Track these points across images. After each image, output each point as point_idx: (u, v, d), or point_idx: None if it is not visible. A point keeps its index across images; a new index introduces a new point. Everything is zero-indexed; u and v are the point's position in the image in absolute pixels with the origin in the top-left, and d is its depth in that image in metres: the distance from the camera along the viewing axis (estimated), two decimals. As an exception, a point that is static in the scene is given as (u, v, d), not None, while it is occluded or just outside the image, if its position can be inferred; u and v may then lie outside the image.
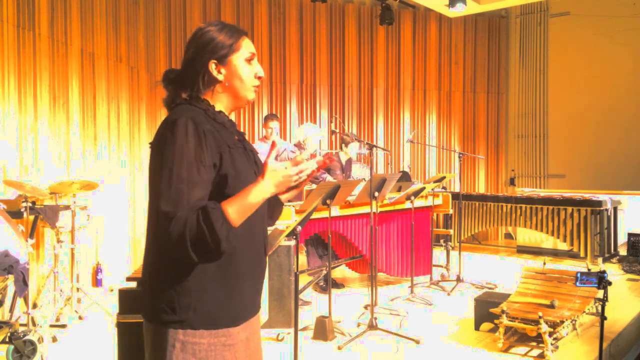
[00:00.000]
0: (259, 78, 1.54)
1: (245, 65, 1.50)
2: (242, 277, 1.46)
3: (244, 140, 1.58)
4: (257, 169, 1.53)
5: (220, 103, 1.52)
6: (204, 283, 1.38)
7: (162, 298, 1.39)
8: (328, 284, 4.00)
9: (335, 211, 4.58)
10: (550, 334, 3.38)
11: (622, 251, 6.47)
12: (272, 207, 1.66)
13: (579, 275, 2.87)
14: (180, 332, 1.37)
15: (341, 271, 5.95)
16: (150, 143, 1.43)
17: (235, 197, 1.36)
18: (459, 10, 6.91)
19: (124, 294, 2.45)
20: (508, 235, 8.34)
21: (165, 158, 1.34)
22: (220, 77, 1.49)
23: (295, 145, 5.18)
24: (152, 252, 1.44)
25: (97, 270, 5.17)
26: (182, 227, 1.29)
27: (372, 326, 3.83)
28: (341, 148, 5.36)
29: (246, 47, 1.51)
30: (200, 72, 1.47)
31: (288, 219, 3.87)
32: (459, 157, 5.45)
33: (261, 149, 4.99)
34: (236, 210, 1.34)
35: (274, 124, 5.19)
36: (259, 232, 1.52)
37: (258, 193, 1.36)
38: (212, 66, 1.47)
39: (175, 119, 1.37)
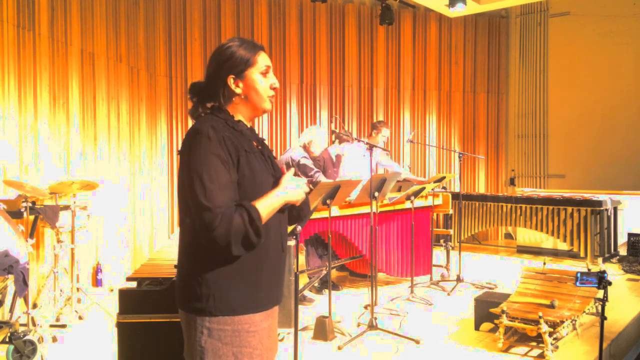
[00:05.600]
0: (274, 89, 1.68)
1: (260, 78, 1.65)
2: (259, 270, 1.58)
3: (264, 146, 1.73)
4: (275, 173, 1.69)
5: (240, 113, 1.67)
6: (221, 275, 1.52)
7: (188, 288, 1.54)
8: (328, 284, 4.00)
9: (335, 211, 4.58)
10: (550, 334, 3.38)
11: (622, 251, 6.47)
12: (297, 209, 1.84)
13: (579, 275, 2.87)
14: (205, 319, 1.52)
15: (339, 271, 5.95)
16: (178, 152, 1.58)
17: (262, 199, 1.54)
18: (459, 10, 6.91)
19: (124, 294, 2.45)
20: (508, 235, 8.34)
21: (194, 164, 1.49)
22: (238, 91, 1.64)
23: (302, 146, 5.15)
24: (183, 248, 1.60)
25: (97, 270, 5.17)
26: (228, 225, 1.45)
27: (372, 326, 3.83)
28: (332, 142, 5.48)
29: (262, 61, 1.66)
30: (221, 86, 1.63)
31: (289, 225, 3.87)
32: (459, 157, 5.46)
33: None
34: (264, 210, 1.52)
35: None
36: (275, 229, 1.64)
37: (278, 198, 1.57)
38: (231, 81, 1.62)
39: (198, 128, 1.53)
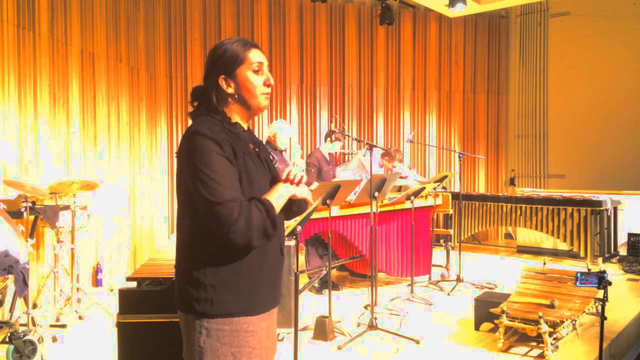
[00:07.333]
0: (269, 85, 1.65)
1: (252, 76, 1.62)
2: (258, 273, 1.58)
3: (261, 148, 1.72)
4: (272, 174, 1.69)
5: (236, 114, 1.65)
6: (219, 277, 1.52)
7: (187, 290, 1.55)
8: (328, 284, 4.00)
9: (335, 211, 4.58)
10: (550, 334, 3.38)
11: (622, 251, 6.47)
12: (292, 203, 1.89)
13: (579, 275, 2.87)
14: (204, 320, 1.52)
15: (339, 271, 5.95)
16: (176, 153, 1.58)
17: (271, 192, 1.57)
18: (459, 10, 6.91)
19: (124, 294, 2.45)
20: (508, 235, 8.34)
21: (199, 163, 1.48)
22: (230, 91, 1.62)
23: (267, 142, 5.09)
24: (181, 249, 1.60)
25: (97, 270, 5.17)
26: (247, 217, 1.46)
27: (372, 326, 3.83)
28: (325, 140, 5.51)
29: (253, 58, 1.63)
30: (214, 88, 1.62)
31: (288, 219, 3.86)
32: (459, 157, 5.45)
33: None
34: (275, 202, 1.55)
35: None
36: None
37: (287, 190, 1.60)
38: (222, 81, 1.61)
39: (196, 129, 1.52)
